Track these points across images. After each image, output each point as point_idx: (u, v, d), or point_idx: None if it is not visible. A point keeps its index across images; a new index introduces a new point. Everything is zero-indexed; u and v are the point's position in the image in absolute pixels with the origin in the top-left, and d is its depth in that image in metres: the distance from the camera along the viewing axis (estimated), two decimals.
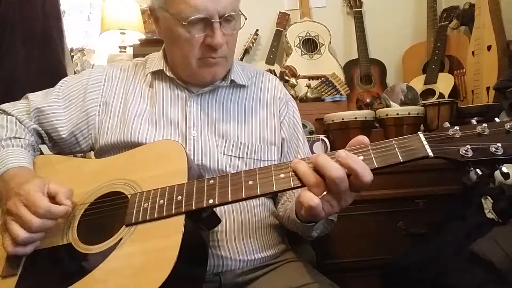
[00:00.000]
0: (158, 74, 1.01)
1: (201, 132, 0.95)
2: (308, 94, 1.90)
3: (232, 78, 1.00)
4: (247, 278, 0.91)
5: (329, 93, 1.96)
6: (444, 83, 1.97)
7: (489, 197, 1.18)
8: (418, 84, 2.01)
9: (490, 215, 1.15)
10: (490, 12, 1.81)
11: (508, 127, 0.64)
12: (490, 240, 1.03)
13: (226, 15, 0.87)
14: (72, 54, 2.21)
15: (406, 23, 2.33)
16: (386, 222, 1.49)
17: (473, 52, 1.88)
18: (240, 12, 0.91)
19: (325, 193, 0.67)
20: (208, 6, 0.85)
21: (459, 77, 1.98)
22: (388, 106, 1.79)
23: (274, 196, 1.02)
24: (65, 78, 1.05)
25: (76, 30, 2.36)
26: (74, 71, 2.10)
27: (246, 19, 0.93)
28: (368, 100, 1.82)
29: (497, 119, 0.66)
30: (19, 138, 0.95)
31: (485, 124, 0.65)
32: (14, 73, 1.58)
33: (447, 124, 0.68)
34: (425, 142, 0.67)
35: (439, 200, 1.47)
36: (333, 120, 1.66)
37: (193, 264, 0.75)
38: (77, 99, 1.01)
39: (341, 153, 0.66)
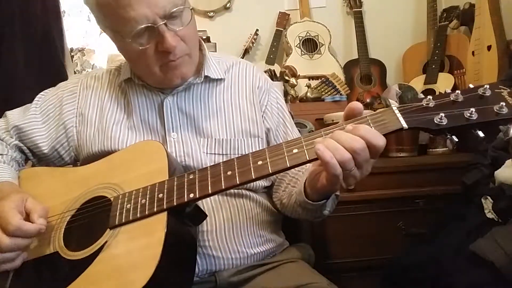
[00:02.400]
0: (130, 81, 0.99)
1: (181, 133, 0.93)
2: (308, 94, 1.90)
3: (206, 74, 0.96)
4: (242, 277, 0.90)
5: (329, 93, 1.96)
6: (444, 83, 1.96)
7: (489, 197, 1.17)
8: (418, 84, 2.00)
9: (490, 215, 1.15)
10: (490, 12, 1.81)
11: (482, 92, 0.63)
12: (490, 240, 1.03)
13: (169, 13, 0.82)
14: (72, 54, 2.21)
15: (406, 23, 2.32)
16: (386, 222, 1.49)
17: (473, 52, 1.88)
18: (185, 5, 0.85)
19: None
20: (146, 13, 0.79)
21: (459, 77, 1.98)
22: (388, 106, 1.79)
23: (270, 188, 1.01)
24: (41, 93, 1.04)
25: (76, 30, 2.35)
26: (74, 71, 2.09)
27: (191, 8, 0.87)
28: (368, 100, 1.82)
29: (471, 85, 0.66)
30: (0, 154, 0.95)
31: (458, 91, 0.65)
32: (14, 73, 1.57)
33: (421, 95, 0.67)
34: (399, 115, 0.66)
35: (439, 200, 1.47)
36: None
37: (180, 261, 0.75)
38: (54, 112, 1.00)
39: (349, 127, 0.66)
